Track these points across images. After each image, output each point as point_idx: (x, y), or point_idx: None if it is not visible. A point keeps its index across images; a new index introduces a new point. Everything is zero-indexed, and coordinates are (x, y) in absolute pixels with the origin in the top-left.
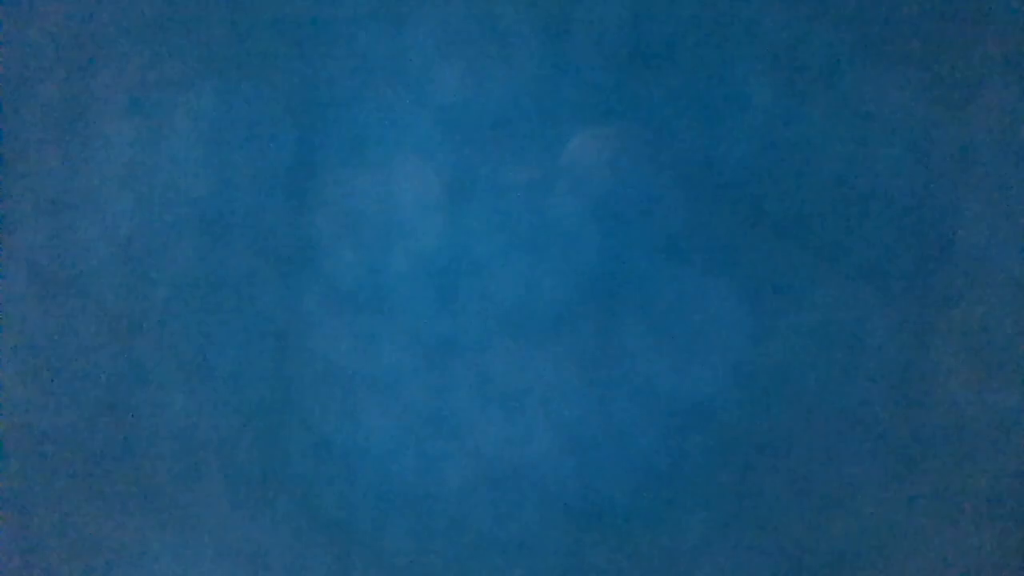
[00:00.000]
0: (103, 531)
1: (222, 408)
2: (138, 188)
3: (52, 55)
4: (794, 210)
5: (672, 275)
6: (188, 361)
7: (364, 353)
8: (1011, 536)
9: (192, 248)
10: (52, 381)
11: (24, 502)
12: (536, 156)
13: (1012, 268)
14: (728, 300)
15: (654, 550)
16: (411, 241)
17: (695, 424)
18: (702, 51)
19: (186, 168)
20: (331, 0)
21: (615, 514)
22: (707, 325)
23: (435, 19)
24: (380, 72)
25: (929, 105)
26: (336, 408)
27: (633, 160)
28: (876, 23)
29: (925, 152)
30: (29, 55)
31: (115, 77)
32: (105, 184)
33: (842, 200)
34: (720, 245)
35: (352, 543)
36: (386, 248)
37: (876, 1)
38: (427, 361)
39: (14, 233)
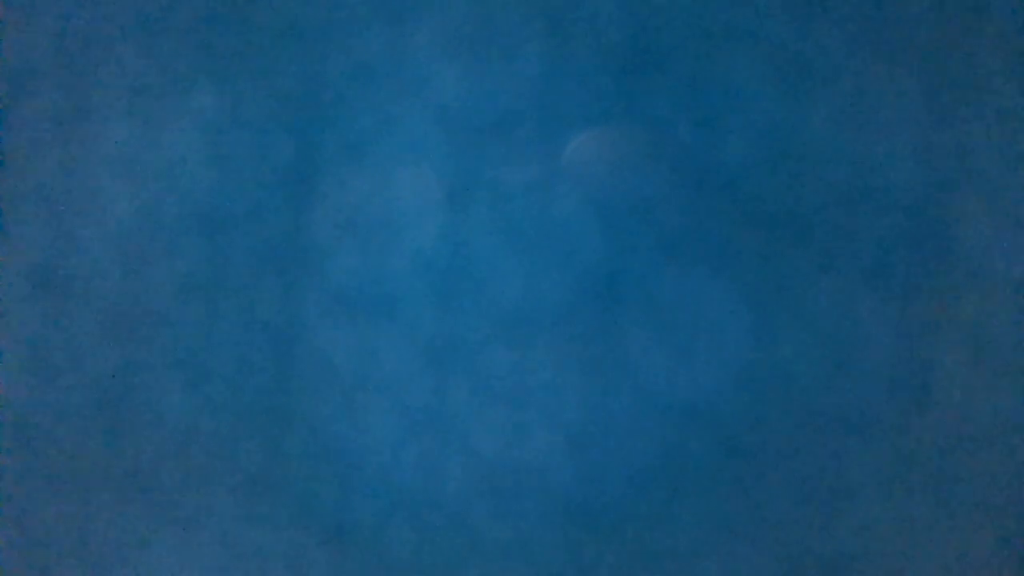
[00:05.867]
0: (103, 531)
1: (222, 408)
2: (138, 188)
3: (52, 55)
4: (794, 210)
5: (672, 275)
6: (188, 361)
7: (364, 353)
8: (1011, 536)
9: (192, 248)
10: (52, 381)
11: (24, 502)
12: (536, 156)
13: (1012, 268)
14: (728, 300)
15: (654, 550)
16: (411, 241)
17: (695, 424)
18: (702, 51)
19: (186, 168)
20: (331, 0)
21: (615, 514)
22: (707, 325)
23: (435, 19)
24: (380, 72)
25: (929, 105)
26: (336, 408)
27: (633, 160)
28: (876, 23)
29: (925, 152)
30: (29, 55)
31: (115, 77)
32: (105, 184)
33: (842, 200)
34: (720, 245)
35: (352, 543)
36: (386, 248)
37: (876, 1)
38: (427, 361)
39: (14, 233)
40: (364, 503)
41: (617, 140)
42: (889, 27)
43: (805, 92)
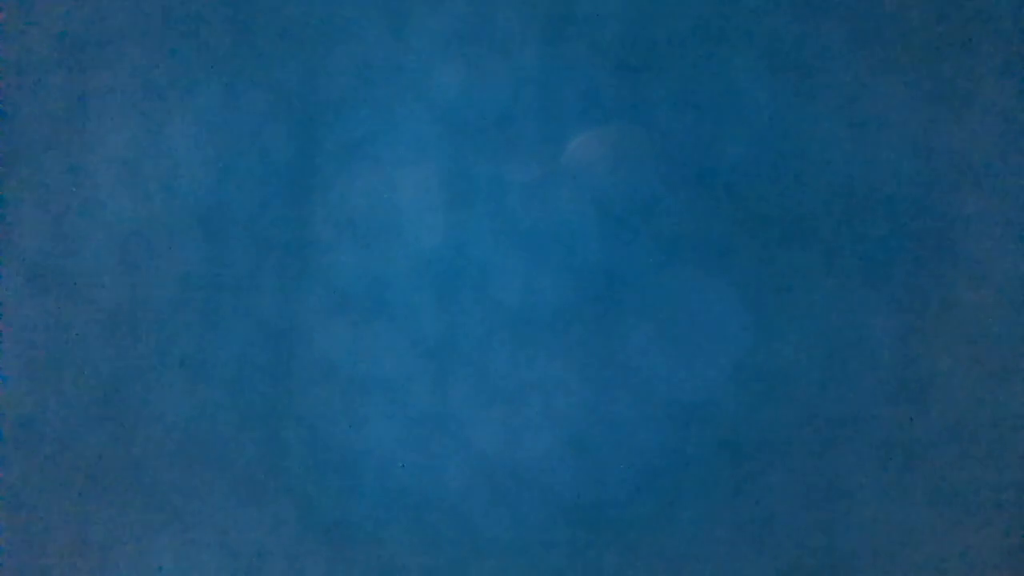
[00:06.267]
0: (103, 531)
1: (222, 408)
2: (138, 188)
3: (52, 55)
4: (794, 210)
5: (672, 275)
6: (188, 361)
7: (364, 353)
8: (1011, 536)
9: (192, 248)
10: (52, 381)
11: (24, 502)
12: (536, 156)
13: (1012, 268)
14: (728, 300)
15: (654, 550)
16: (411, 241)
17: (695, 424)
18: (702, 51)
19: (186, 168)
20: (331, 0)
21: (615, 514)
22: (707, 325)
23: (435, 19)
24: (380, 72)
25: (929, 105)
26: (336, 408)
27: (633, 160)
28: (876, 23)
29: (925, 152)
30: (29, 55)
31: (115, 77)
32: (105, 184)
33: (842, 200)
34: (720, 245)
35: (352, 543)
36: (386, 248)
37: (876, 1)
38: (427, 361)
39: (14, 233)
40: (364, 503)
41: (617, 140)
42: (889, 27)
43: (805, 92)
